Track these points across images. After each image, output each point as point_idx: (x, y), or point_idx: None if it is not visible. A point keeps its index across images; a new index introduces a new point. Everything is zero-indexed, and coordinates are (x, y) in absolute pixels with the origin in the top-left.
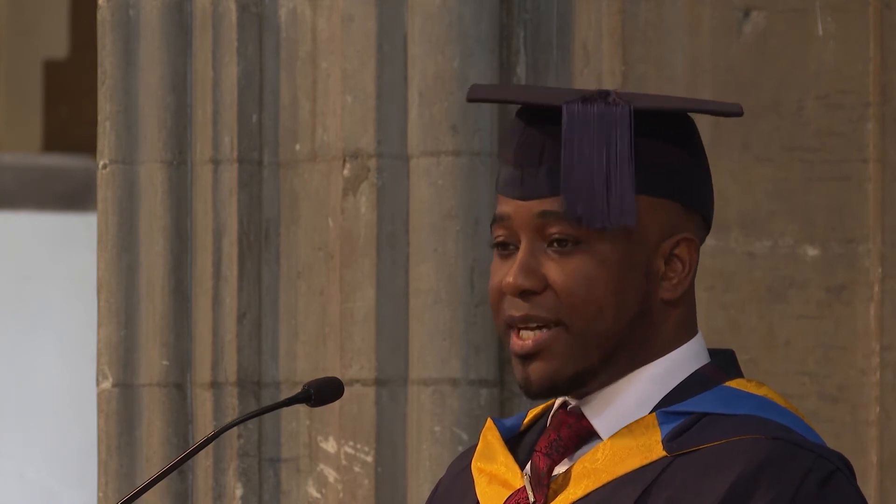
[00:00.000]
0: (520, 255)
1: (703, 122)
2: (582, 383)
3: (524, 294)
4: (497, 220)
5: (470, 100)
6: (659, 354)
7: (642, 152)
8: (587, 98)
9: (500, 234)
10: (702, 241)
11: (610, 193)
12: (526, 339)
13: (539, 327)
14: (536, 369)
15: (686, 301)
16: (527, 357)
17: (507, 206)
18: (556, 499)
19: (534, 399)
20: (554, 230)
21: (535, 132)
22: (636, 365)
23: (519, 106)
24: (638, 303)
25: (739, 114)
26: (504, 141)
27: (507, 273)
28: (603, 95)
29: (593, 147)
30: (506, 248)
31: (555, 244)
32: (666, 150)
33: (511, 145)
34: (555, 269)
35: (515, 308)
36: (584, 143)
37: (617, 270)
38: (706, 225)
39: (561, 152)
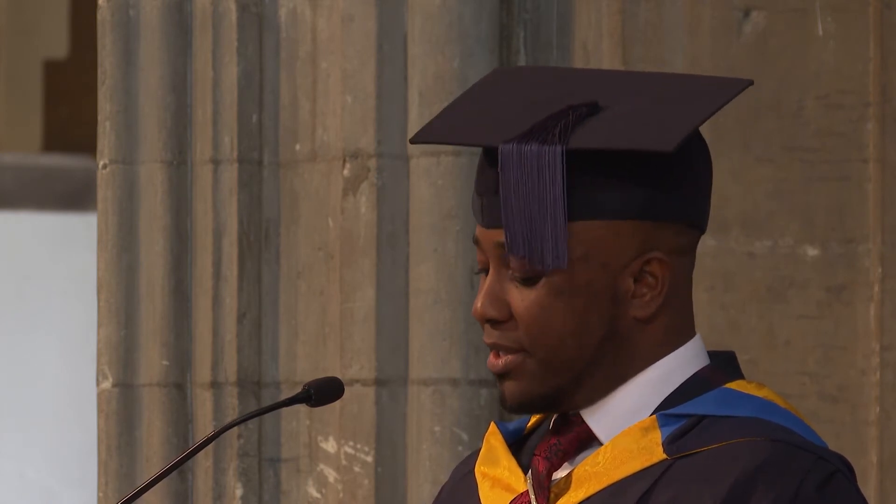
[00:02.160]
0: (486, 283)
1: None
2: (558, 402)
3: (491, 322)
4: (474, 242)
5: (413, 142)
6: (647, 363)
7: (597, 180)
8: (526, 135)
9: (479, 257)
10: (685, 243)
11: (544, 237)
12: (498, 360)
13: (506, 353)
14: (509, 388)
15: (667, 313)
16: (500, 377)
17: (478, 231)
18: (558, 502)
19: (512, 414)
20: (512, 263)
21: (492, 162)
22: (621, 377)
23: None
24: (603, 326)
25: (667, 152)
26: None
27: (477, 299)
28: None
29: (528, 188)
30: (484, 271)
31: (516, 274)
32: (626, 174)
33: (477, 172)
34: (517, 299)
35: (487, 335)
36: (520, 183)
37: (576, 300)
38: (693, 227)
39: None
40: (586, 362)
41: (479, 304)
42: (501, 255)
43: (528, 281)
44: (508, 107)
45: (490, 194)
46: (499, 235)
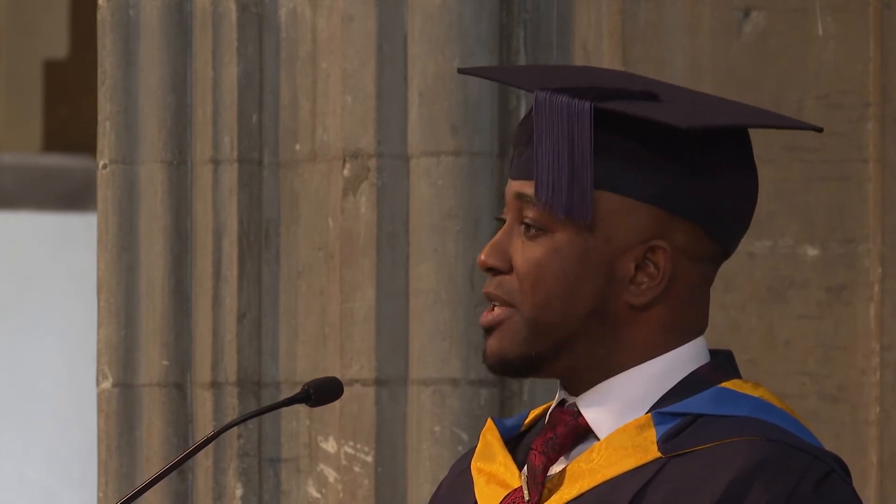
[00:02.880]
0: (498, 234)
1: None
2: (535, 367)
3: (493, 271)
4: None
5: (461, 72)
6: (641, 355)
7: (623, 152)
8: (560, 89)
9: (503, 212)
10: (698, 250)
11: (570, 185)
12: (489, 314)
13: (499, 305)
14: (491, 343)
15: (665, 307)
16: (486, 330)
17: (507, 185)
18: (551, 498)
19: (494, 373)
20: (526, 213)
21: (530, 114)
22: (610, 360)
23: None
24: (592, 300)
25: (681, 128)
26: None
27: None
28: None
29: (559, 138)
30: (502, 223)
31: (525, 228)
32: (654, 154)
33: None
34: (518, 253)
35: (487, 284)
36: (552, 132)
37: (570, 264)
38: (713, 238)
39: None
40: (569, 331)
41: (482, 254)
42: (520, 207)
43: (536, 236)
44: (556, 74)
45: (522, 145)
46: (522, 186)
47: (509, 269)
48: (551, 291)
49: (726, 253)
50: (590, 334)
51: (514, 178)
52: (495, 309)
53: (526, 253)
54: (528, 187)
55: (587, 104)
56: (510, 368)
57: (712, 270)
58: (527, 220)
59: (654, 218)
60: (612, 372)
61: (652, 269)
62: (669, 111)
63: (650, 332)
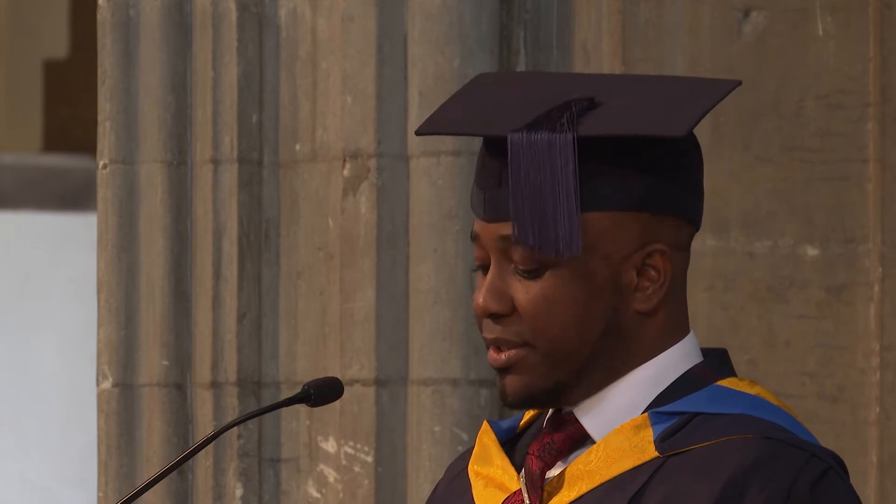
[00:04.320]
0: (488, 277)
1: (703, 123)
2: (558, 396)
3: (493, 316)
4: (472, 238)
5: (419, 133)
6: (644, 359)
7: (600, 171)
8: (533, 124)
9: (477, 253)
10: (684, 242)
11: (557, 224)
12: (500, 354)
13: (508, 348)
14: (511, 382)
15: (667, 307)
16: (501, 371)
17: (477, 226)
18: (551, 501)
19: (512, 409)
20: (515, 257)
21: (494, 155)
22: (618, 373)
23: None
24: (605, 319)
25: (679, 136)
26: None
27: (479, 294)
28: (557, 114)
29: (540, 176)
30: (482, 267)
31: (520, 267)
32: (627, 164)
33: (478, 165)
34: (521, 292)
35: (489, 330)
36: (531, 172)
37: (580, 291)
38: (690, 223)
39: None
40: (588, 355)
41: (480, 299)
42: (504, 248)
43: (532, 273)
44: (503, 105)
45: (493, 188)
46: (503, 229)
47: (511, 311)
48: (566, 321)
49: (697, 228)
50: (606, 351)
51: (491, 221)
52: (503, 350)
53: (530, 291)
54: (511, 228)
55: (569, 136)
56: (534, 402)
57: (689, 252)
58: (520, 267)
59: (642, 223)
60: (616, 377)
61: (652, 272)
62: (641, 118)
63: (655, 334)
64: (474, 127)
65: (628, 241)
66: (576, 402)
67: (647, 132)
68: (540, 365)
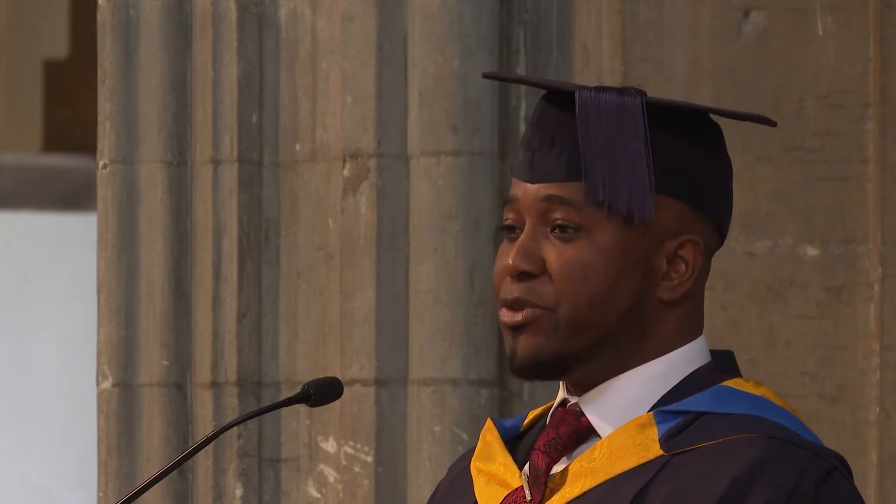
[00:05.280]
0: (521, 238)
1: None
2: (567, 367)
3: (522, 276)
4: (507, 202)
5: (485, 76)
6: (656, 354)
7: (654, 149)
8: (599, 88)
9: (509, 217)
10: (712, 249)
11: (632, 182)
12: (517, 313)
13: (529, 308)
14: (523, 342)
15: (688, 303)
16: (516, 329)
17: (517, 189)
18: (553, 497)
19: (519, 376)
20: (557, 215)
21: (551, 116)
22: (627, 360)
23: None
24: (632, 297)
25: (764, 121)
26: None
27: (509, 255)
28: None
29: (608, 135)
30: (512, 232)
31: (557, 230)
32: (680, 150)
33: (528, 129)
34: (553, 254)
35: (509, 291)
36: (599, 130)
37: (614, 262)
38: (720, 234)
39: (573, 137)
40: (605, 332)
41: (510, 259)
42: (545, 209)
43: (567, 237)
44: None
45: (545, 147)
46: (546, 189)
47: (541, 273)
48: (595, 290)
49: (722, 242)
50: (623, 332)
51: (534, 181)
52: (522, 310)
53: (565, 254)
54: (556, 189)
55: (638, 100)
56: (542, 369)
57: (710, 264)
58: (559, 222)
59: (682, 213)
60: (621, 370)
61: (681, 264)
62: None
63: (672, 329)
64: (543, 80)
65: (666, 226)
66: (580, 383)
67: (742, 112)
68: (556, 330)
